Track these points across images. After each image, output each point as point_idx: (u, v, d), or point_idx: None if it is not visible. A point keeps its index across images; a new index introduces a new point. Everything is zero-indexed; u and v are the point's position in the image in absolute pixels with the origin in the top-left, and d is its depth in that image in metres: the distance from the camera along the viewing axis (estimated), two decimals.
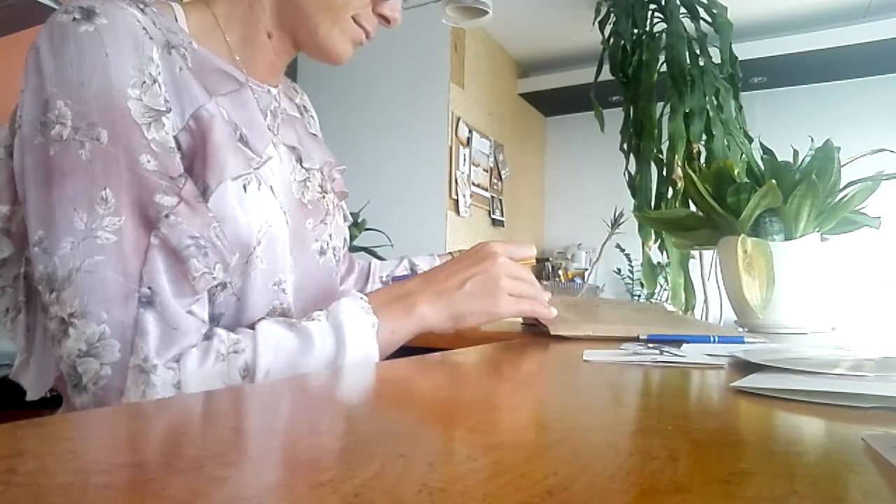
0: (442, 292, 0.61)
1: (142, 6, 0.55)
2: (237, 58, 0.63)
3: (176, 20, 0.59)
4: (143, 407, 0.31)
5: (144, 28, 0.52)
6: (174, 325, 0.48)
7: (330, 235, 0.70)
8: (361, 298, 0.59)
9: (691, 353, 0.57)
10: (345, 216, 0.78)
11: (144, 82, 0.50)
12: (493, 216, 3.84)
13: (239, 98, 0.59)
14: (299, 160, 0.67)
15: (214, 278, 0.51)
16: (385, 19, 0.66)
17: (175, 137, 0.52)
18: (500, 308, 0.63)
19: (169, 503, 0.17)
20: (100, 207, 0.47)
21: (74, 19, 0.49)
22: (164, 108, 0.51)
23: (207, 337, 0.51)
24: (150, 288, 0.48)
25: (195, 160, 0.53)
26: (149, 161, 0.49)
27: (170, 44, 0.55)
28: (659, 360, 0.52)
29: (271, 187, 0.60)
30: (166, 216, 0.48)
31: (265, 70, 0.66)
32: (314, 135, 0.77)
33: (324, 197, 0.70)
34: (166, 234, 0.48)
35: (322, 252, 0.68)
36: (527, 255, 0.72)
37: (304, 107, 0.79)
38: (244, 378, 0.50)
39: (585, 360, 0.52)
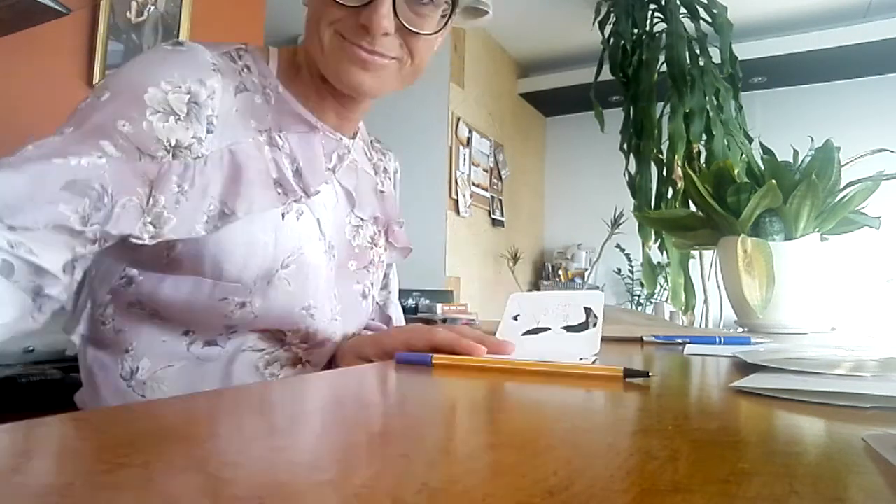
0: (380, 341, 0.64)
1: (236, 54, 0.64)
2: (311, 104, 0.68)
3: (268, 63, 0.67)
4: (145, 407, 0.31)
5: (214, 64, 0.60)
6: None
7: (371, 284, 0.75)
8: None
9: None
10: (386, 283, 0.85)
11: (179, 87, 0.57)
12: (493, 216, 3.84)
13: (307, 139, 0.66)
14: (353, 206, 0.72)
15: (88, 226, 0.49)
16: (365, 29, 0.61)
17: (209, 154, 0.58)
18: (434, 334, 0.59)
19: (170, 503, 0.17)
20: (66, 128, 0.54)
21: (166, 45, 0.60)
22: (179, 114, 0.56)
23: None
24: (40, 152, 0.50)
25: (226, 180, 0.59)
26: (124, 125, 0.53)
27: (243, 87, 0.62)
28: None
29: (319, 220, 0.65)
30: (100, 157, 0.51)
31: (335, 117, 0.70)
32: (382, 192, 0.80)
33: (372, 248, 0.75)
34: (85, 164, 0.50)
35: (364, 296, 0.74)
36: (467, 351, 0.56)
37: (385, 168, 0.84)
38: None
39: None
